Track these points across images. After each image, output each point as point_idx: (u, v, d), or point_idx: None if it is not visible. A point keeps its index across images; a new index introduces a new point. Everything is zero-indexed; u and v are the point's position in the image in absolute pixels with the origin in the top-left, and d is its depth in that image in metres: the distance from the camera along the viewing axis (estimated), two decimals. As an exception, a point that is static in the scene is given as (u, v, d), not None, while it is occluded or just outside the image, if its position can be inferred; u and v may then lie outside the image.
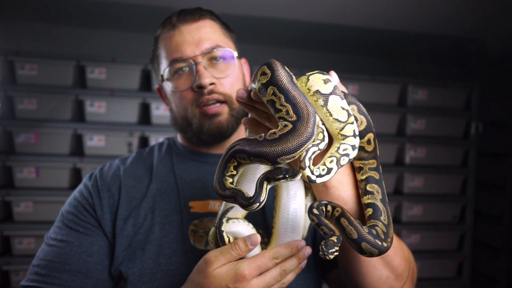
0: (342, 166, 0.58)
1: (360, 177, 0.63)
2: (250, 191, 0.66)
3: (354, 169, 0.65)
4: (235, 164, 0.58)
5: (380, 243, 0.56)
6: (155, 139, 2.33)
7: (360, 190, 0.64)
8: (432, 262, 2.65)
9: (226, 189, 0.58)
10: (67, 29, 2.60)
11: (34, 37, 2.56)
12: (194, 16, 0.90)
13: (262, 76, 0.56)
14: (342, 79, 2.82)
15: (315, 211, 0.58)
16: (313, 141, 0.57)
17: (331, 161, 0.58)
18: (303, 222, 0.67)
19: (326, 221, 0.57)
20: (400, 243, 0.74)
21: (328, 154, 0.59)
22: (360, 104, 0.61)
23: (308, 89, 0.57)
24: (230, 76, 0.90)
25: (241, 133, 0.99)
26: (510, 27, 2.32)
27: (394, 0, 2.03)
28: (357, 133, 0.58)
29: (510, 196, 2.57)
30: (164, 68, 0.91)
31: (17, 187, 2.22)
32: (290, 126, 0.53)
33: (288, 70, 0.56)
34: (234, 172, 0.59)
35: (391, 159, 2.61)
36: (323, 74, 0.58)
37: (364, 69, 2.99)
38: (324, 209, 0.59)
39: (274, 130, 0.54)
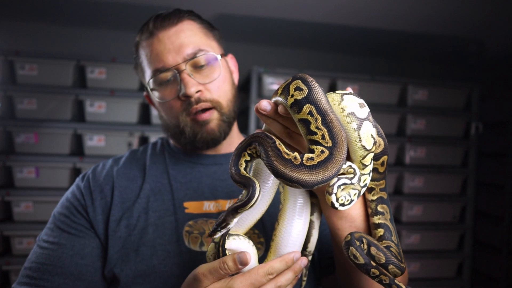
0: (359, 196, 0.59)
1: (371, 197, 0.64)
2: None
3: None
4: (254, 156, 0.57)
5: (403, 265, 0.58)
6: (155, 139, 2.33)
7: (370, 209, 0.64)
8: (432, 262, 2.65)
9: (241, 176, 0.56)
10: (67, 29, 2.60)
11: (34, 37, 2.56)
12: (171, 21, 0.86)
13: (297, 92, 0.52)
14: (342, 79, 2.81)
15: (386, 272, 0.57)
16: (346, 173, 0.57)
17: (355, 194, 0.58)
18: (304, 238, 0.65)
19: (395, 280, 0.57)
20: None
21: (351, 186, 0.59)
22: (379, 126, 0.60)
23: (342, 108, 0.55)
24: (217, 80, 0.87)
25: (234, 136, 0.98)
26: (510, 27, 2.32)
27: (394, 0, 2.03)
28: (372, 159, 0.59)
29: (510, 196, 2.56)
30: (148, 79, 0.88)
31: (17, 187, 2.22)
32: (327, 152, 0.50)
33: (321, 87, 0.54)
34: (249, 158, 0.58)
35: (391, 159, 2.60)
36: (357, 96, 0.56)
37: (364, 69, 2.99)
38: (366, 248, 0.59)
39: (311, 155, 0.51)
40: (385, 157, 0.61)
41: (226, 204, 0.88)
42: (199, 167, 0.92)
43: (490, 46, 2.68)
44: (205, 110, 0.86)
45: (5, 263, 2.15)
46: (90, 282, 0.80)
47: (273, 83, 2.46)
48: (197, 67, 0.86)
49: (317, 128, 0.51)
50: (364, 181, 0.59)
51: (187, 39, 0.86)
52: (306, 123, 0.52)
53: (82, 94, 2.26)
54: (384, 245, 0.61)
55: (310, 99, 0.52)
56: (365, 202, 0.66)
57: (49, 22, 2.54)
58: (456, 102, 2.69)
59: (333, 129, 0.51)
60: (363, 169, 0.58)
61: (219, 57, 0.88)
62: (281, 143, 0.54)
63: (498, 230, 2.64)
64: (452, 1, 2.01)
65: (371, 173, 0.59)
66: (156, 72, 0.86)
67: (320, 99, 0.52)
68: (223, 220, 0.58)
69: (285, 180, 0.51)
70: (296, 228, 0.63)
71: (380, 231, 0.62)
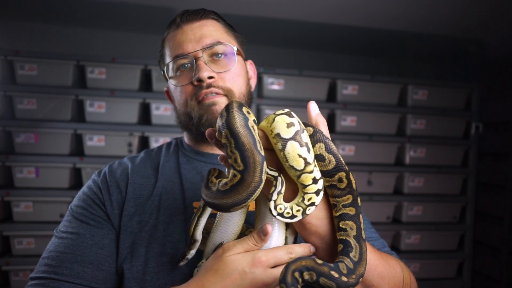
0: (307, 215, 0.59)
1: (335, 213, 0.63)
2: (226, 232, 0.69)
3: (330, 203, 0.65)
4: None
5: (337, 276, 0.56)
6: (155, 139, 2.33)
7: (335, 225, 0.64)
8: (432, 262, 2.65)
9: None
10: (67, 29, 2.60)
11: (34, 37, 2.56)
12: (196, 16, 0.92)
13: (220, 118, 0.56)
14: (342, 79, 2.80)
15: None
16: (275, 185, 0.58)
17: (298, 210, 0.58)
18: None
19: None
20: (392, 270, 0.73)
21: (295, 201, 0.58)
22: (330, 142, 0.58)
23: (271, 130, 0.56)
24: (231, 71, 0.90)
25: None
26: (510, 27, 2.32)
27: (394, 0, 2.03)
28: (318, 177, 0.57)
29: (510, 196, 2.56)
30: (166, 63, 0.93)
31: (17, 187, 2.22)
32: (239, 176, 0.53)
33: (244, 112, 0.55)
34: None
35: (391, 159, 2.61)
36: (290, 116, 0.56)
37: (364, 69, 2.99)
38: (301, 280, 0.57)
39: (226, 180, 0.55)
40: (341, 174, 0.59)
41: None
42: (210, 166, 0.95)
43: (490, 46, 2.68)
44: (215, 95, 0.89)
45: (4, 263, 2.15)
46: (108, 272, 0.81)
47: (273, 83, 2.46)
48: (215, 58, 0.90)
49: (231, 151, 0.54)
50: (309, 199, 0.58)
51: (209, 32, 0.91)
52: (225, 147, 0.55)
53: (82, 94, 2.26)
54: (337, 259, 0.60)
55: (226, 124, 0.55)
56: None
57: (49, 22, 2.54)
58: (456, 102, 2.69)
59: (244, 152, 0.53)
60: (304, 188, 0.57)
61: (235, 48, 0.91)
62: (214, 172, 0.59)
63: (498, 231, 2.64)
64: (452, 1, 2.01)
65: (320, 192, 0.58)
66: (175, 58, 0.90)
67: (233, 123, 0.54)
68: (183, 253, 0.72)
69: (209, 206, 0.56)
70: (273, 242, 0.65)
71: (340, 247, 0.62)
